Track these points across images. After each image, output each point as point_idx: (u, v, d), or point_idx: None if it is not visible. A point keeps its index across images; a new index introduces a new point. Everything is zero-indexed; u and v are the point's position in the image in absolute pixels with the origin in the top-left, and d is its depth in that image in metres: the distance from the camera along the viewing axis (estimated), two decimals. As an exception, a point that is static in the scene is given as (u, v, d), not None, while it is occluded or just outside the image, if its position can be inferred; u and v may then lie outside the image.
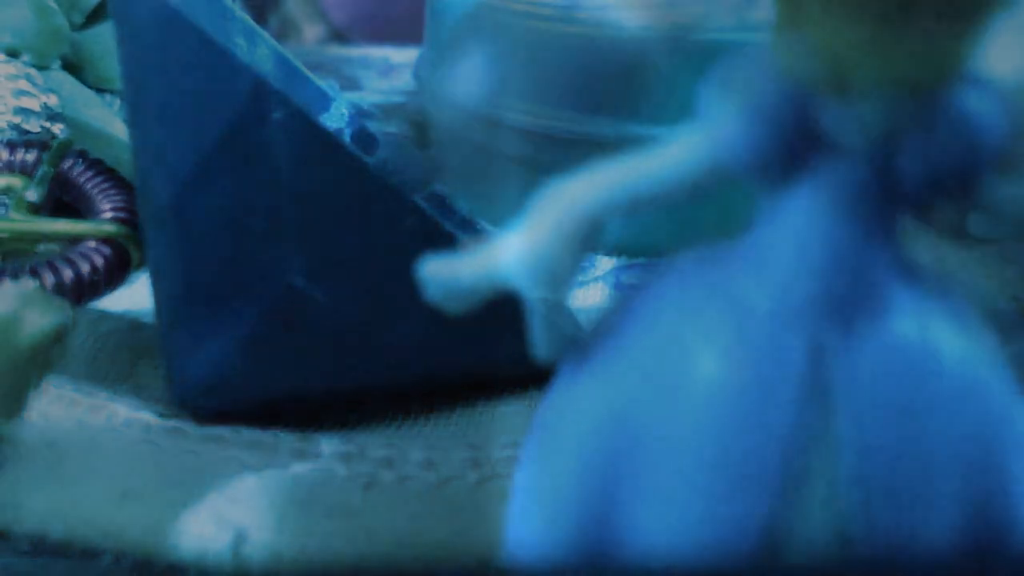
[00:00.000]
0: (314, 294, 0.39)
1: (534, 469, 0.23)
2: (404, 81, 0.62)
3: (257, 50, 0.42)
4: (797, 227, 0.20)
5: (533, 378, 0.37)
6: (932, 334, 0.20)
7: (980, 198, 0.20)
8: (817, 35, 0.17)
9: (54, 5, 0.52)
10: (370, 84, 0.64)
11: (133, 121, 0.38)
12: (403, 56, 0.66)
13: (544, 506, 0.22)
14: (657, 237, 0.28)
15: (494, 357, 0.39)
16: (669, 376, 0.21)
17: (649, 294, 0.22)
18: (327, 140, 0.39)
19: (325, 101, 0.41)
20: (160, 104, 0.37)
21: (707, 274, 0.21)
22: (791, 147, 0.19)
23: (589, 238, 0.22)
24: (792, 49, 0.18)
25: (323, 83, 0.42)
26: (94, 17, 0.55)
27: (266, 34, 0.42)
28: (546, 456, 0.23)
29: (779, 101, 0.19)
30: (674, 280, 0.22)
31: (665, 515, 0.20)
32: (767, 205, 0.20)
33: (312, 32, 0.75)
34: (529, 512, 0.22)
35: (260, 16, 0.73)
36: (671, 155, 0.20)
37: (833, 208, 0.19)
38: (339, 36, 0.74)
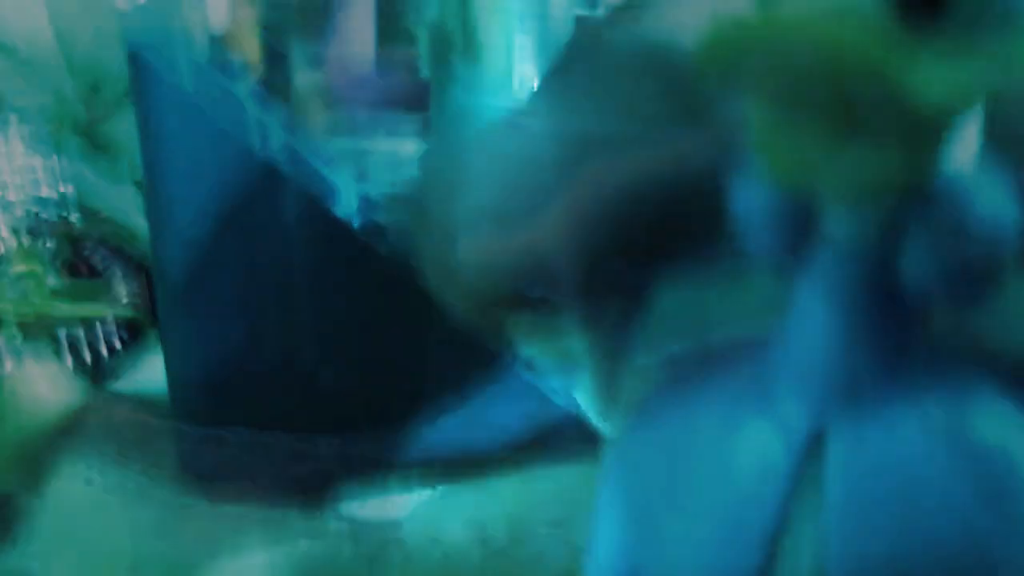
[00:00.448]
0: (321, 373, 0.40)
1: (601, 515, 0.24)
2: (410, 172, 0.64)
3: (271, 140, 0.44)
4: (801, 317, 0.21)
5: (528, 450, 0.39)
6: (925, 436, 0.20)
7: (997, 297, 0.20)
8: (776, 161, 0.19)
9: (74, 97, 0.54)
10: (378, 175, 0.66)
11: (150, 207, 0.40)
12: (410, 148, 0.68)
13: (600, 544, 0.24)
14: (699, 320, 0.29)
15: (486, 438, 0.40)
16: (690, 443, 0.22)
17: (682, 372, 0.24)
18: (338, 228, 0.40)
19: (335, 190, 0.42)
20: (177, 192, 0.38)
21: (731, 357, 0.23)
22: (793, 242, 0.21)
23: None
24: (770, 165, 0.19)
25: (332, 172, 0.44)
26: (112, 109, 0.57)
27: (278, 124, 0.44)
28: (602, 506, 0.24)
29: (777, 202, 0.20)
30: (702, 363, 0.23)
31: (675, 559, 0.22)
32: (788, 295, 0.21)
33: (322, 122, 0.77)
34: (598, 547, 0.24)
35: (265, 71, 0.74)
36: None
37: (829, 302, 0.21)
38: (348, 125, 0.75)
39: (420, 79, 0.59)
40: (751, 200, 0.21)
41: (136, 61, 0.40)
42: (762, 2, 0.19)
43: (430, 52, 0.58)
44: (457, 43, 0.56)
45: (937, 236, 0.20)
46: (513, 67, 0.55)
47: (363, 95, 0.76)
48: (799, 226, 0.21)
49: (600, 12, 0.53)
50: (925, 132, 0.18)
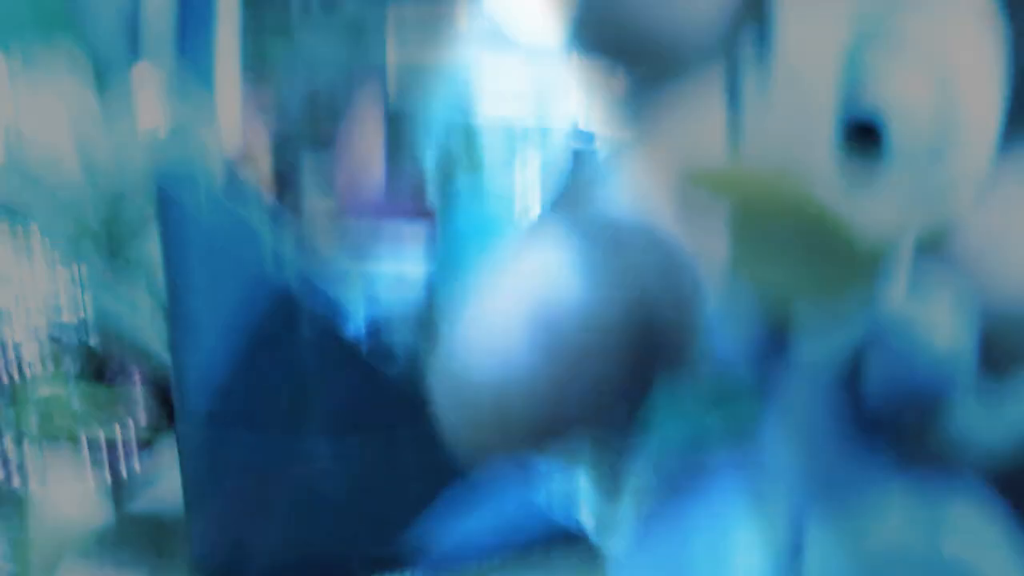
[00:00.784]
0: (332, 490, 0.41)
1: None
2: (414, 252, 0.65)
3: (285, 263, 0.46)
4: (777, 433, 0.23)
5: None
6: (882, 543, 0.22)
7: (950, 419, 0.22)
8: (755, 287, 0.21)
9: (96, 222, 0.56)
10: (381, 257, 0.67)
11: (172, 330, 0.41)
12: (413, 229, 0.70)
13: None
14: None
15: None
16: (685, 558, 0.24)
17: (676, 487, 0.25)
18: (349, 351, 0.42)
19: (344, 311, 0.44)
20: (199, 317, 0.40)
21: (720, 472, 0.24)
22: (767, 367, 0.22)
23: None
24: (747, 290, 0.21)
25: (342, 294, 0.46)
26: (130, 233, 0.59)
27: (290, 248, 0.46)
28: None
29: (751, 332, 0.22)
30: (694, 478, 0.25)
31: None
32: (765, 412, 0.23)
33: (325, 208, 0.79)
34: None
35: (277, 194, 0.76)
36: None
37: (801, 420, 0.22)
38: (351, 212, 0.77)
39: (427, 201, 0.61)
40: (729, 331, 0.22)
41: (158, 188, 0.42)
42: (728, 156, 0.21)
43: (436, 175, 0.60)
44: (462, 167, 0.59)
45: (889, 360, 0.21)
46: (515, 192, 0.57)
47: (371, 217, 0.78)
48: (772, 353, 0.22)
49: (596, 146, 0.55)
50: (867, 265, 0.20)
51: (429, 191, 0.61)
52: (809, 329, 0.22)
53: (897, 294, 0.21)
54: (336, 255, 0.77)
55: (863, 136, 0.20)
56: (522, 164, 0.59)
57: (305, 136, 0.85)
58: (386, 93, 0.61)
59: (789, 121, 0.20)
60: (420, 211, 0.64)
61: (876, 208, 0.19)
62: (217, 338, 0.41)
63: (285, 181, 0.83)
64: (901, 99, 0.20)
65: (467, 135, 0.59)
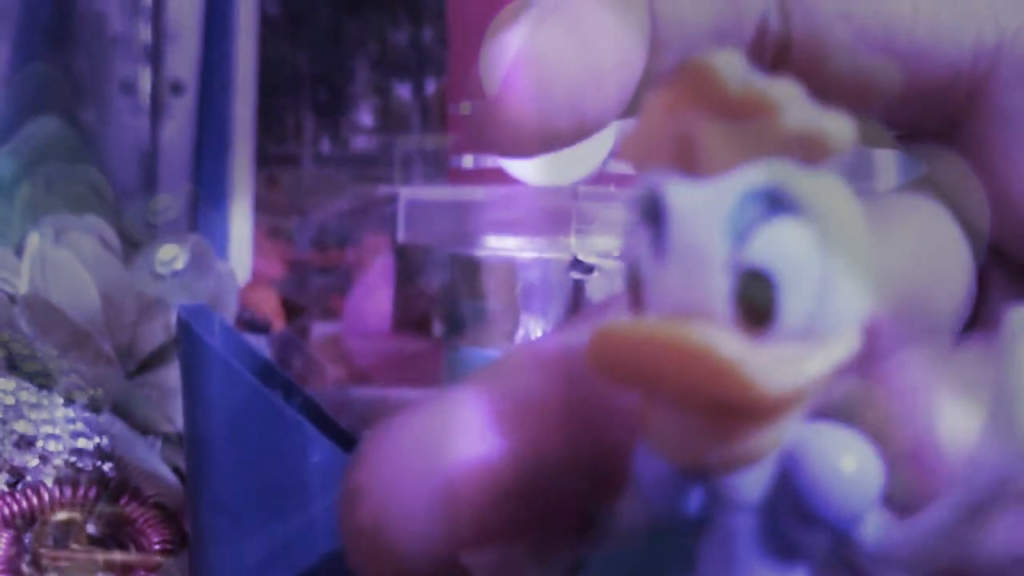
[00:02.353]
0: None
1: None
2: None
3: (293, 398, 0.48)
4: (707, 567, 0.24)
5: None
6: None
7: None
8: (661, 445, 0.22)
9: (113, 355, 0.58)
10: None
11: (191, 462, 0.43)
12: (420, 398, 0.72)
13: None
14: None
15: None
16: None
17: None
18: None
19: (350, 441, 0.46)
20: (218, 450, 0.42)
21: None
22: (689, 503, 0.23)
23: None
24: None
25: (346, 422, 0.47)
26: (143, 367, 0.61)
27: (295, 382, 0.48)
28: None
29: (671, 470, 0.23)
30: None
31: None
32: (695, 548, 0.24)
33: (334, 373, 0.81)
34: None
35: (285, 358, 0.79)
36: None
37: (729, 554, 0.22)
38: (360, 378, 0.79)
39: (432, 334, 0.63)
40: (651, 469, 0.23)
41: (180, 324, 0.44)
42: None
43: (443, 311, 0.62)
44: (467, 303, 0.61)
45: (799, 486, 0.22)
46: (518, 326, 0.59)
47: (377, 350, 0.80)
48: (693, 490, 0.23)
49: (595, 275, 0.57)
50: (772, 413, 0.21)
51: (435, 321, 0.63)
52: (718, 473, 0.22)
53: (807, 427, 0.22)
54: (342, 381, 0.79)
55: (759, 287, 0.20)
56: (524, 295, 0.61)
57: (315, 266, 0.88)
58: (395, 226, 0.64)
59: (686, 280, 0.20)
60: (427, 341, 0.66)
61: (773, 361, 0.20)
62: (236, 469, 0.43)
63: (293, 312, 0.85)
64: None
65: (470, 267, 0.61)
